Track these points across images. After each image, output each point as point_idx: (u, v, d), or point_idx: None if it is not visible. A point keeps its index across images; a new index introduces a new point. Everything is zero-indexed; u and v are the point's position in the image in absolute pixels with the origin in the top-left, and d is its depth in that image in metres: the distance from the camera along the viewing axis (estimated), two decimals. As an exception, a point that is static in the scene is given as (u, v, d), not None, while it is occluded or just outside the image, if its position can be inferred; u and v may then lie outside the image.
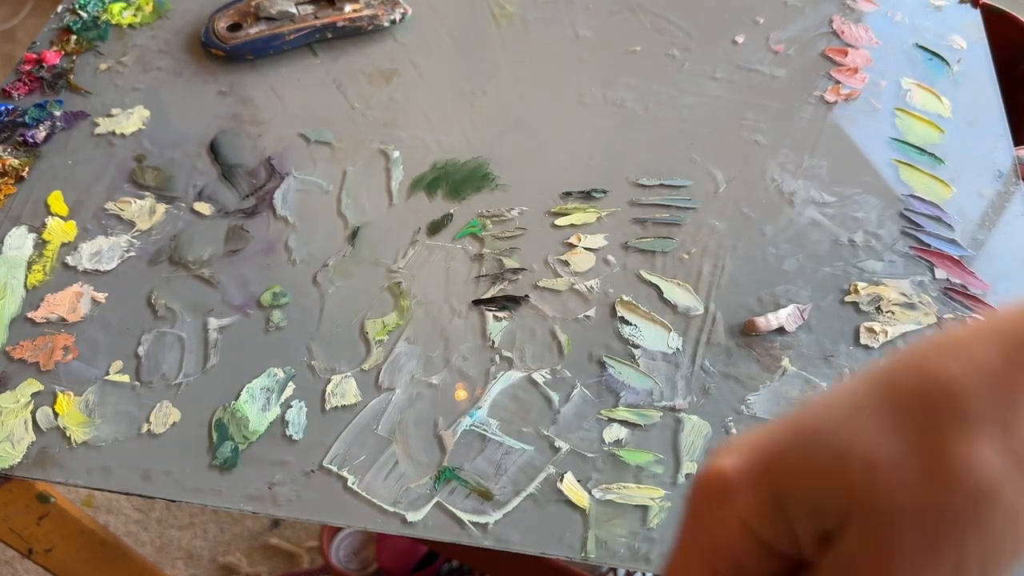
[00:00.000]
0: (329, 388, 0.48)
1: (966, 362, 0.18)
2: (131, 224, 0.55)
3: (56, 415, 0.47)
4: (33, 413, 0.47)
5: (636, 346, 0.50)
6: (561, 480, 0.45)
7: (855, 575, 0.18)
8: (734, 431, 0.47)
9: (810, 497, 0.19)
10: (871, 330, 0.51)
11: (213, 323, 0.51)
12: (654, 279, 0.53)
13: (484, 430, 0.47)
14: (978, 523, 0.17)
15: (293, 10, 0.66)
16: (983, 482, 0.17)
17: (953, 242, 0.55)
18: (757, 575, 0.20)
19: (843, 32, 0.68)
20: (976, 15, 0.70)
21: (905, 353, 0.20)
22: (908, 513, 0.17)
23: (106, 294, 0.52)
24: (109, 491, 0.45)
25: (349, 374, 0.49)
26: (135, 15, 0.68)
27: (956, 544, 0.17)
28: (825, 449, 0.19)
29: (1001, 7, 0.76)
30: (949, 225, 0.56)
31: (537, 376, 0.49)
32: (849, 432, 0.19)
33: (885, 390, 0.19)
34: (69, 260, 0.54)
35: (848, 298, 0.52)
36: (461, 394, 0.48)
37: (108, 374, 0.49)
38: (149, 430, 0.47)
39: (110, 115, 0.61)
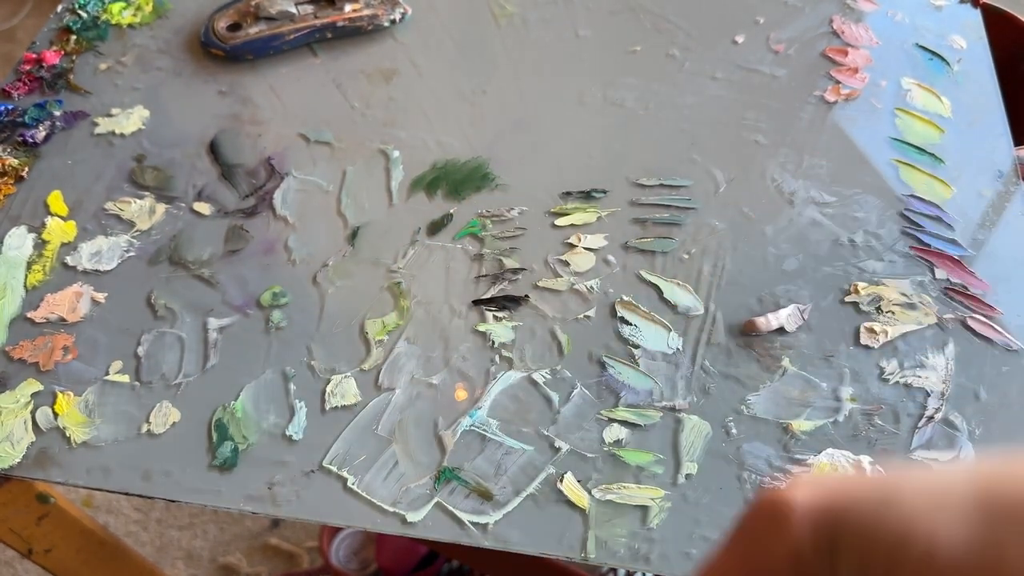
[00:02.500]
0: (329, 388, 0.48)
1: None
2: (131, 224, 0.55)
3: (56, 415, 0.47)
4: (33, 413, 0.47)
5: (636, 346, 0.50)
6: (561, 480, 0.45)
7: None
8: (734, 431, 0.47)
9: (864, 554, 0.19)
10: (871, 330, 0.50)
11: (213, 323, 0.51)
12: (654, 279, 0.53)
13: (484, 430, 0.47)
14: None
15: (293, 10, 0.65)
16: None
17: (953, 242, 0.55)
18: None
19: (843, 32, 0.68)
20: (976, 15, 0.70)
21: (1016, 460, 0.20)
22: None
23: (106, 294, 0.52)
24: (109, 491, 0.45)
25: (349, 374, 0.49)
26: (135, 15, 0.68)
27: None
28: (897, 518, 0.19)
29: (1001, 7, 0.75)
30: (949, 225, 0.56)
31: (537, 376, 0.49)
32: (925, 512, 0.19)
33: (981, 489, 0.19)
34: (69, 260, 0.53)
35: (848, 298, 0.52)
36: (461, 394, 0.48)
37: (108, 374, 0.49)
38: (149, 430, 0.47)
39: (110, 115, 0.61)
